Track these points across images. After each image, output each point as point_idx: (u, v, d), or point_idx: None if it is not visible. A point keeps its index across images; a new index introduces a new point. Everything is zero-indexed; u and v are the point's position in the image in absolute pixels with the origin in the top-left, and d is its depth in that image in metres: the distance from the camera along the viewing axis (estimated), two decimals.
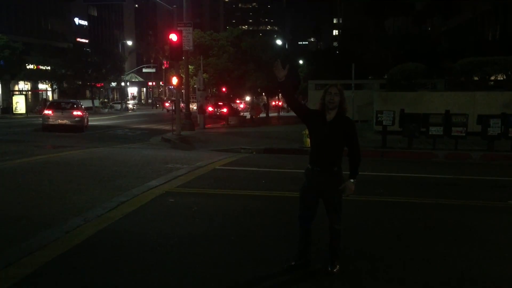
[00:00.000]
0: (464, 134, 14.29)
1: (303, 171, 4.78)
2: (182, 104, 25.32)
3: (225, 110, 33.64)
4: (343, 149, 4.64)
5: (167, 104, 55.34)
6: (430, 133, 14.56)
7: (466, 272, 4.88)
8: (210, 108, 33.22)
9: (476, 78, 22.70)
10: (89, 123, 26.59)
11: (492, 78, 23.61)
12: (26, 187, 8.83)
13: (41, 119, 24.32)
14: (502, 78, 22.99)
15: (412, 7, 44.63)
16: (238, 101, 43.32)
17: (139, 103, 79.91)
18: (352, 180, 4.56)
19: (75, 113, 23.83)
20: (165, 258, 5.10)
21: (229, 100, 38.26)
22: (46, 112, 23.88)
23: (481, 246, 5.72)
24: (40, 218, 6.56)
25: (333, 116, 4.59)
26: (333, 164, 4.59)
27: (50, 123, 23.12)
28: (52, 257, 5.03)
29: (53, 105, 25.29)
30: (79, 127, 23.40)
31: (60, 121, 23.20)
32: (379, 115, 15.24)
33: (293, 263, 4.77)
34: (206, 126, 25.38)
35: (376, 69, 33.96)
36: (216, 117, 32.79)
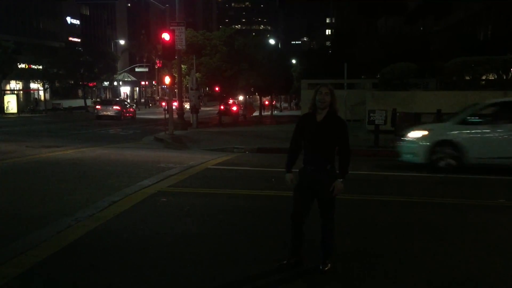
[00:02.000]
0: None
1: (297, 170, 4.80)
2: (176, 104, 25.25)
3: (234, 108, 37.83)
4: (335, 148, 4.67)
5: (163, 104, 55.55)
6: None
7: (457, 269, 4.91)
8: (221, 107, 35.70)
9: (467, 78, 22.84)
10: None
11: (484, 77, 23.77)
12: (18, 187, 8.79)
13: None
14: (493, 78, 23.15)
15: (405, 7, 44.81)
16: (231, 101, 43.57)
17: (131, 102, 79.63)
18: (340, 180, 4.58)
19: (115, 107, 35.84)
20: (157, 258, 5.09)
21: (227, 99, 39.60)
22: (97, 106, 37.02)
23: (472, 244, 5.77)
24: (32, 217, 6.53)
25: (324, 116, 4.62)
26: (325, 162, 4.61)
27: (99, 114, 34.91)
28: (43, 257, 5.01)
29: (101, 102, 39.41)
30: (118, 117, 34.61)
31: (105, 113, 34.84)
32: (371, 114, 15.29)
33: (285, 262, 4.78)
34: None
35: (369, 68, 34.05)
36: (227, 114, 34.59)
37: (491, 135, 10.98)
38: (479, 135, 11.10)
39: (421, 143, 11.35)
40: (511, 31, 29.28)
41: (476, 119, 11.43)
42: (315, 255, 4.86)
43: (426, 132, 11.61)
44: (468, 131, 11.19)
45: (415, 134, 11.69)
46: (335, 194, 4.58)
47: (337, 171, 4.65)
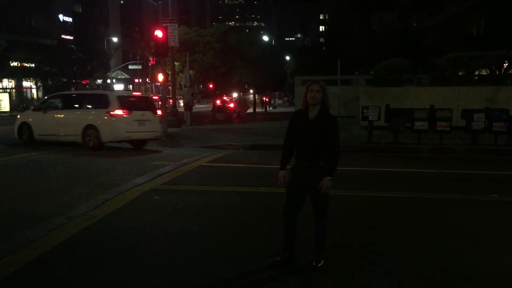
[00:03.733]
0: (448, 129, 14.42)
1: (290, 167, 4.78)
2: (171, 101, 25.17)
3: (232, 105, 37.01)
4: (327, 144, 4.64)
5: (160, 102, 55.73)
6: (415, 128, 14.66)
7: (449, 264, 4.92)
8: (218, 102, 35.82)
9: (460, 73, 22.92)
10: None
11: (476, 73, 23.85)
12: (9, 185, 8.74)
13: None
14: (486, 73, 23.25)
15: (398, 3, 44.88)
16: (225, 98, 43.52)
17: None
18: (329, 178, 4.55)
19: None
20: (149, 256, 5.07)
21: (222, 96, 39.56)
22: None
23: (463, 239, 5.78)
24: (23, 216, 6.48)
25: (316, 113, 4.60)
26: (319, 159, 4.60)
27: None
28: (35, 256, 4.98)
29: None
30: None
31: None
32: (365, 110, 15.31)
33: (277, 259, 4.77)
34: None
35: (362, 64, 34.13)
36: (222, 111, 34.56)
37: (44, 118, 14.88)
38: (38, 118, 15.07)
39: (17, 124, 15.62)
40: (503, 26, 29.39)
41: (39, 107, 16.08)
42: (308, 252, 4.86)
43: (19, 116, 16.34)
44: (34, 116, 15.38)
45: (18, 117, 16.26)
46: (322, 192, 4.56)
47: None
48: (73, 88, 58.54)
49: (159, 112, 16.34)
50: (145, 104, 15.67)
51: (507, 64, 21.46)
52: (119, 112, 14.04)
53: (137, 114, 14.38)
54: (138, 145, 15.14)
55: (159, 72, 30.40)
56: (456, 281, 4.55)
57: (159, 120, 15.76)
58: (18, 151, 13.38)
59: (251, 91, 48.08)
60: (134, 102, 15.24)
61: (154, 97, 30.67)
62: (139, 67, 77.40)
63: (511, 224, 6.48)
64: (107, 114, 13.97)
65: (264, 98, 54.14)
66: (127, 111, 14.21)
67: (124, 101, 14.68)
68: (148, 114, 14.75)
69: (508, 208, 7.40)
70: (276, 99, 75.35)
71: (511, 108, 14.61)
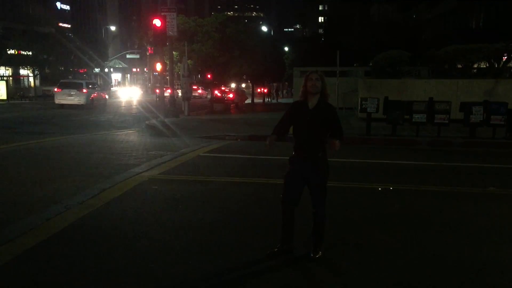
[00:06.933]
0: (447, 121, 14.41)
1: (288, 158, 4.77)
2: (170, 91, 25.08)
3: (231, 95, 36.72)
4: (327, 135, 4.65)
5: (158, 91, 55.22)
6: (413, 120, 14.65)
7: (444, 257, 4.93)
8: (217, 93, 35.68)
9: (459, 66, 22.87)
10: None
11: (475, 65, 23.82)
12: (6, 174, 8.71)
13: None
14: (484, 66, 23.21)
15: None
16: (223, 88, 43.29)
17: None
18: (338, 140, 4.58)
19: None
20: (147, 245, 5.07)
21: (220, 86, 39.24)
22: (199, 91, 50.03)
23: (460, 232, 5.80)
24: (20, 205, 6.47)
25: (315, 102, 4.60)
26: (318, 149, 4.59)
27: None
28: (32, 245, 4.97)
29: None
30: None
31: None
32: (363, 102, 15.27)
33: (275, 249, 4.77)
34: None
35: (361, 56, 34.02)
36: (221, 102, 34.32)
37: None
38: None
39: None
40: (503, 19, 29.33)
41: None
42: (306, 243, 4.86)
43: None
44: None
45: None
46: (332, 149, 4.56)
47: (330, 159, 4.62)
48: (70, 78, 58.55)
49: (84, 90, 29.39)
50: (76, 85, 29.81)
51: (506, 57, 21.42)
52: (55, 89, 29.94)
53: (67, 91, 28.97)
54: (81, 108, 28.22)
55: (157, 62, 30.12)
56: (454, 271, 4.56)
57: (84, 94, 29.14)
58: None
59: (248, 82, 47.95)
60: (67, 84, 30.32)
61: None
62: (137, 56, 77.01)
63: (508, 217, 6.49)
64: (55, 90, 30.03)
65: (261, 89, 53.72)
66: (60, 89, 29.39)
67: (62, 83, 30.38)
68: (75, 91, 28.96)
69: (505, 201, 7.41)
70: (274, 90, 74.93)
71: (510, 101, 14.62)
